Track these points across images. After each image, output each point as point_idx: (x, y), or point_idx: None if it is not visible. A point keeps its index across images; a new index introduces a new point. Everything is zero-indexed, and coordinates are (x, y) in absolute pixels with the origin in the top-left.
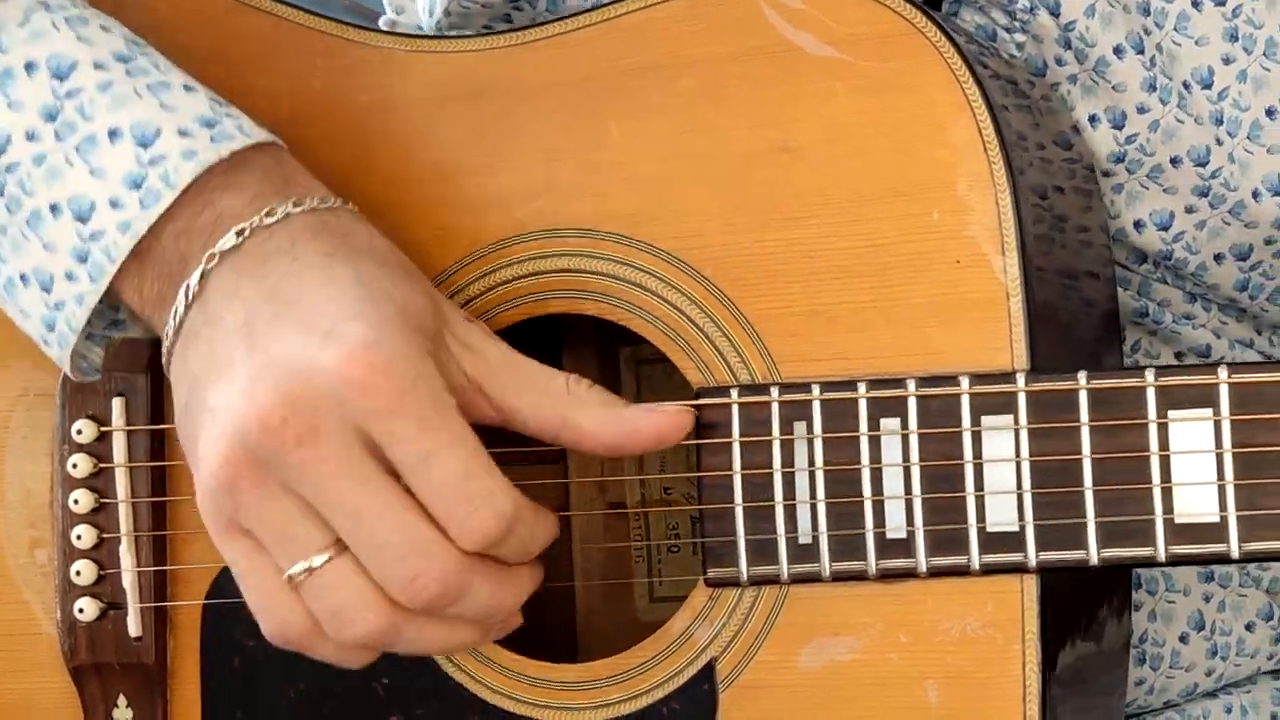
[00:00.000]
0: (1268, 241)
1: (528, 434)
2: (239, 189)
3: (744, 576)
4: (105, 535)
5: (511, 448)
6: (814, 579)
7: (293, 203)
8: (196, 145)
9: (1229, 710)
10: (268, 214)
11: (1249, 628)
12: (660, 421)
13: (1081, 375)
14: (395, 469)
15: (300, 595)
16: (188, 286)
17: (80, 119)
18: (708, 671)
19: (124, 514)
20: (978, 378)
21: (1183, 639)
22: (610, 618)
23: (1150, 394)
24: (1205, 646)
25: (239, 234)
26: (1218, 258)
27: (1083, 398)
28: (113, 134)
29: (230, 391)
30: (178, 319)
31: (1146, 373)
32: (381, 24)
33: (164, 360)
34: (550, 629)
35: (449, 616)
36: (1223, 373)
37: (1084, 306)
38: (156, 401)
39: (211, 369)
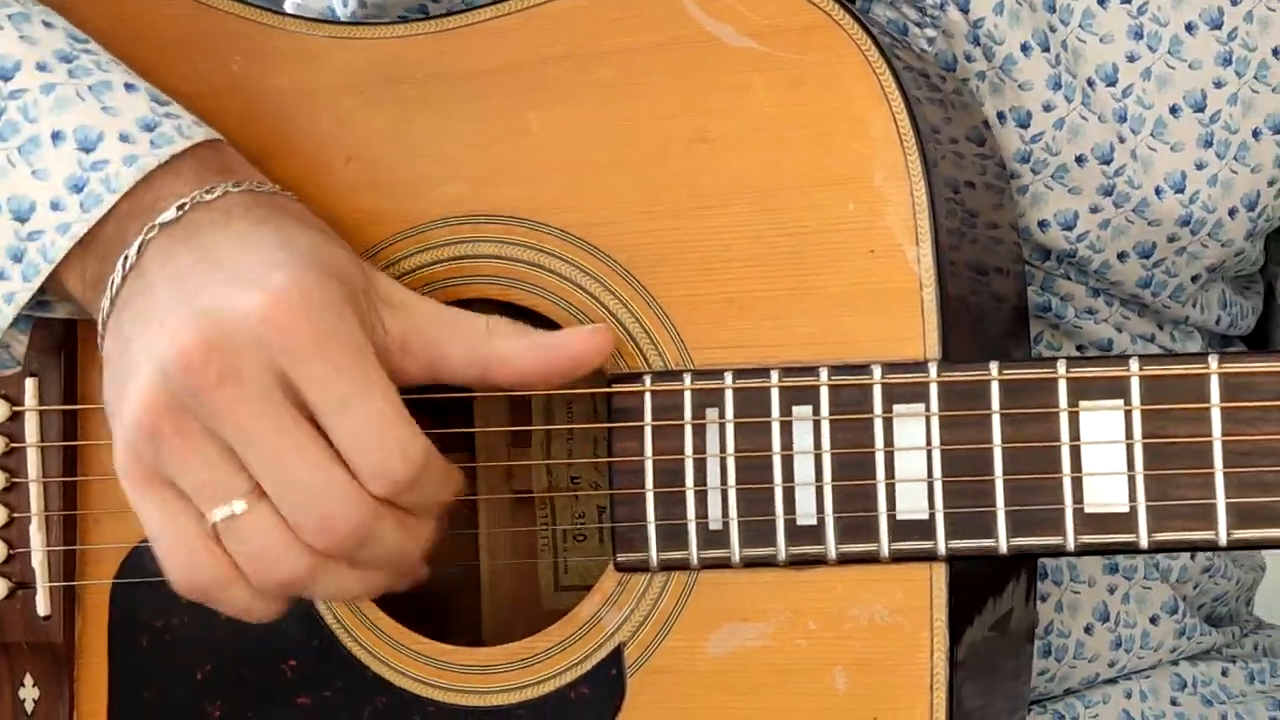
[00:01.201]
0: (1171, 239)
1: (457, 383)
2: (179, 175)
3: (654, 562)
4: (16, 515)
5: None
6: (724, 565)
7: (232, 183)
8: (137, 150)
9: (1129, 695)
10: (207, 191)
11: (1153, 621)
12: (581, 342)
13: (993, 365)
14: (312, 413)
15: (221, 542)
16: (126, 257)
17: (24, 120)
18: (616, 656)
19: (34, 493)
20: (890, 366)
21: (1087, 630)
22: (516, 604)
23: (1061, 385)
24: (1109, 638)
25: (179, 208)
26: (1121, 256)
27: (994, 387)
28: (55, 136)
29: (154, 340)
30: (114, 289)
31: (1058, 363)
32: (287, 6)
33: (99, 337)
34: (456, 614)
35: (359, 561)
36: (1134, 364)
37: (994, 301)
38: (70, 383)
39: (141, 327)
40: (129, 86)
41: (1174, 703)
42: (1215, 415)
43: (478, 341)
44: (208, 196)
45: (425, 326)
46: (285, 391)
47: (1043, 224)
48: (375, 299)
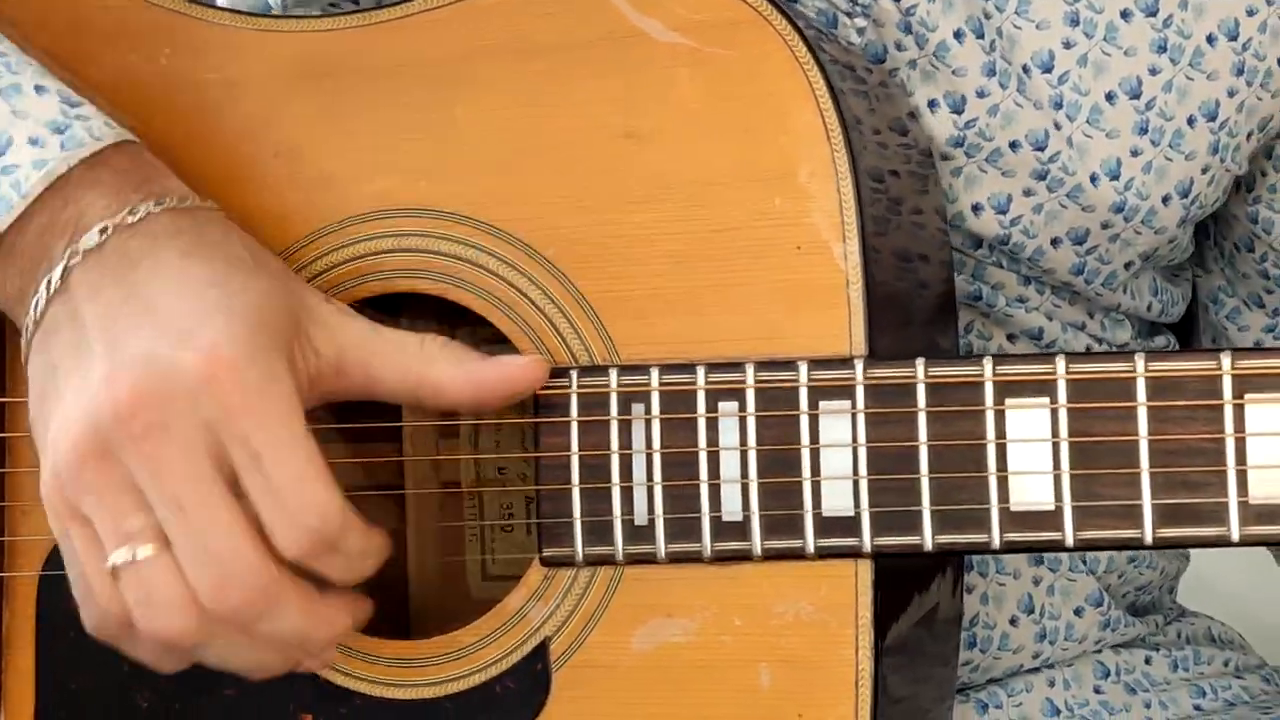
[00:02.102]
0: (1104, 226)
1: (390, 401)
2: (99, 186)
3: (579, 557)
4: None
5: (351, 425)
6: (649, 560)
7: (154, 201)
8: (47, 154)
9: (1052, 684)
10: (130, 212)
11: (1078, 613)
12: (512, 370)
13: (919, 363)
14: (235, 470)
15: (118, 584)
16: (50, 280)
17: None
18: (541, 651)
19: None
20: (816, 363)
21: (1012, 622)
22: (443, 596)
23: (988, 383)
24: (1034, 630)
25: (101, 232)
26: (1054, 242)
27: (920, 385)
28: None
29: (88, 382)
30: (39, 310)
31: (984, 361)
32: (221, 1)
33: (23, 350)
34: (383, 606)
35: (258, 634)
36: (1060, 363)
37: (919, 289)
38: None
39: (71, 361)
40: (39, 89)
41: (1097, 691)
42: (1141, 414)
43: (411, 364)
44: (131, 219)
45: (358, 346)
46: (210, 449)
47: (976, 208)
48: (307, 322)
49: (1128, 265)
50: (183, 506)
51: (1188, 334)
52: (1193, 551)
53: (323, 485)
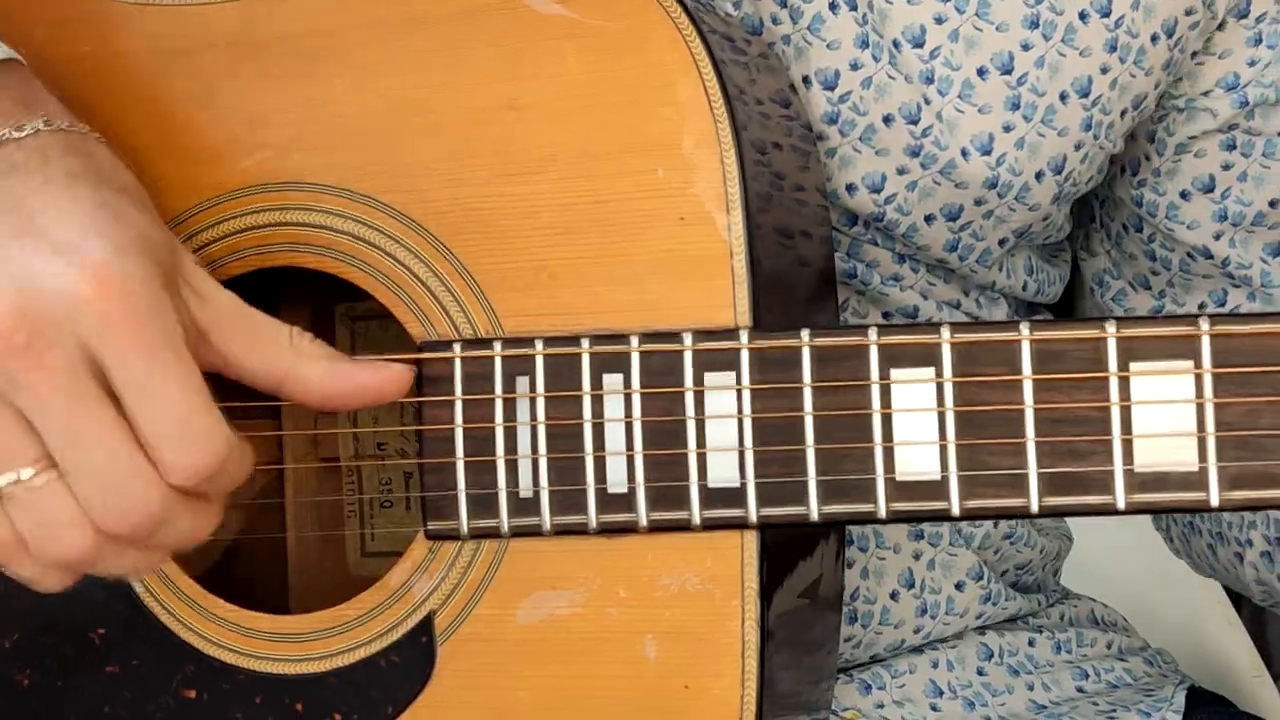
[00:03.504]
0: (978, 202)
1: (249, 385)
2: None
3: (464, 530)
4: None
5: (227, 400)
6: (535, 533)
7: (43, 121)
8: None
9: (935, 665)
10: (17, 128)
11: (959, 587)
12: (381, 377)
13: (804, 333)
14: (118, 393)
15: (5, 508)
16: None
17: None
18: (426, 624)
19: None
20: (701, 334)
21: (893, 596)
22: (322, 571)
23: (873, 352)
24: (915, 604)
25: None
26: (929, 219)
27: (805, 356)
28: None
29: None
30: None
31: (870, 331)
32: None
33: None
34: (262, 582)
35: (150, 545)
36: (945, 332)
37: (802, 266)
38: None
39: None
40: None
41: (980, 672)
42: (1027, 384)
43: (278, 354)
44: (18, 134)
45: (226, 322)
46: (93, 371)
47: (850, 187)
48: (183, 282)
49: (1002, 242)
50: (69, 428)
51: (1066, 316)
52: (1077, 534)
53: (210, 416)
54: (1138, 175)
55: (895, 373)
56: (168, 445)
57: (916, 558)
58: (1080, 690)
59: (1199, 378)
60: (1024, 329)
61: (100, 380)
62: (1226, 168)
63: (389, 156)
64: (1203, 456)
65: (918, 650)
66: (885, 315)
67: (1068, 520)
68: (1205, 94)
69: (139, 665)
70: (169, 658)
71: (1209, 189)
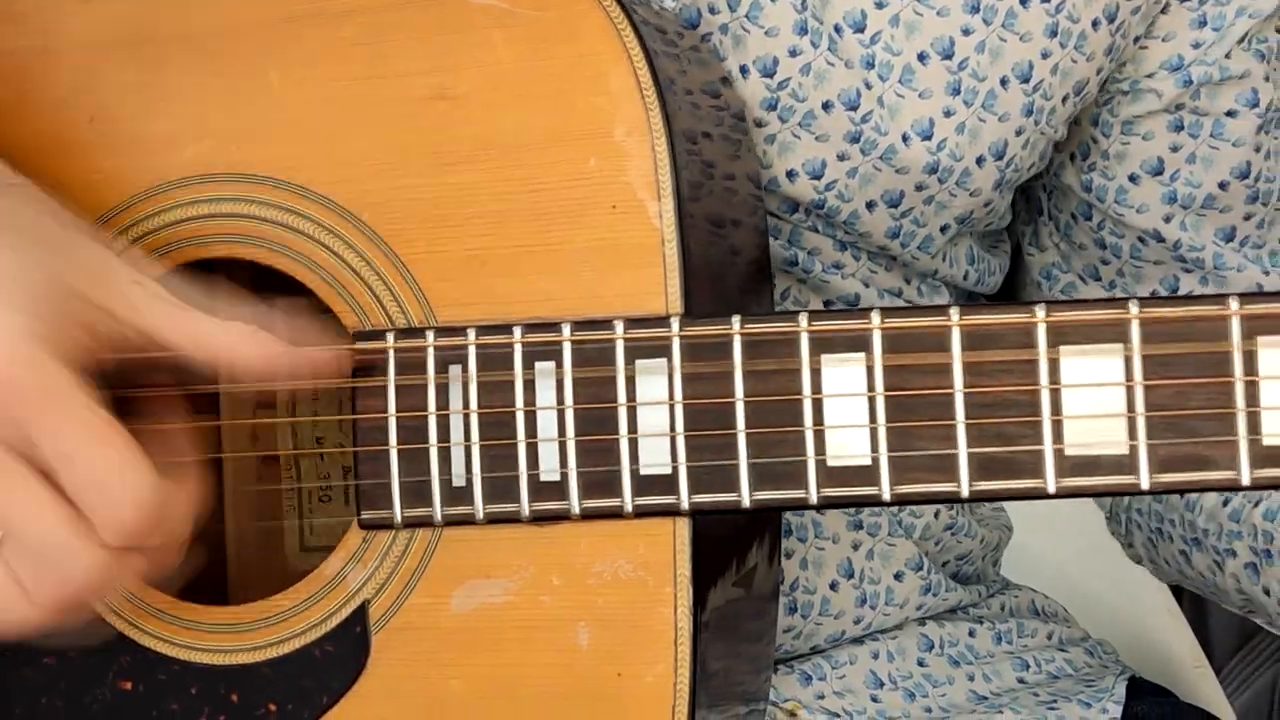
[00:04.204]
0: (919, 188)
1: (190, 364)
2: None
3: (398, 519)
4: None
5: (166, 390)
6: (468, 521)
7: None
8: None
9: (875, 656)
10: None
11: (898, 577)
12: (314, 355)
13: (735, 320)
14: (46, 468)
15: None
16: None
17: None
18: (360, 614)
19: None
20: (632, 322)
21: (833, 587)
22: (261, 564)
23: (803, 338)
24: (854, 595)
25: None
26: (870, 205)
27: (736, 342)
28: None
29: None
30: None
31: (800, 317)
32: None
33: None
34: (201, 575)
35: (97, 603)
36: (875, 317)
37: (734, 255)
38: None
39: None
40: None
41: (921, 663)
42: (956, 367)
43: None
44: None
45: (160, 312)
46: (16, 447)
47: (791, 174)
48: (113, 285)
49: (944, 229)
50: (3, 512)
51: None
52: (1017, 525)
53: (133, 471)
54: (1087, 160)
55: (826, 358)
56: (96, 507)
57: (855, 548)
58: (1021, 681)
59: (1128, 360)
60: (953, 313)
61: (28, 457)
62: (1175, 149)
63: (324, 148)
64: (1133, 438)
65: (858, 641)
66: (826, 303)
67: (1008, 510)
68: (1149, 76)
69: (76, 657)
70: (104, 648)
71: (1158, 171)
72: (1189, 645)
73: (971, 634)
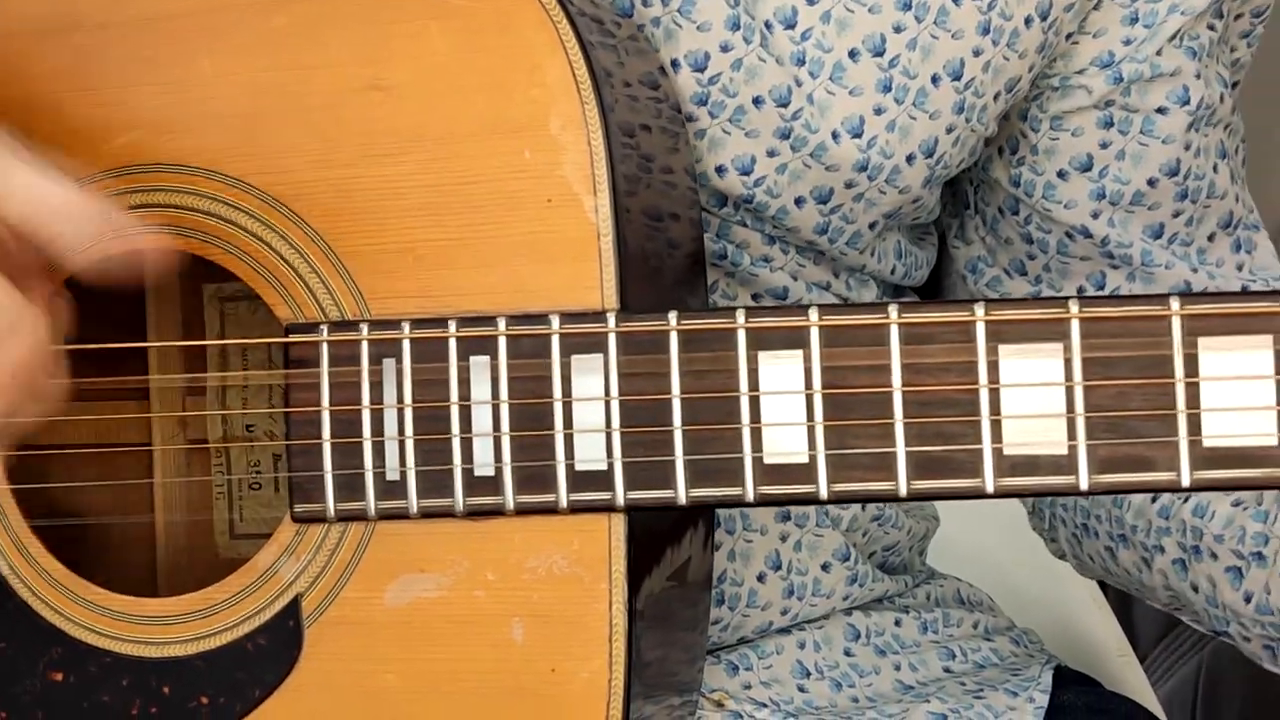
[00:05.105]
0: (848, 185)
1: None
2: None
3: (331, 512)
4: None
5: (95, 380)
6: (402, 516)
7: None
8: None
9: (802, 646)
10: None
11: (825, 568)
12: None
13: (672, 315)
14: None
15: None
16: None
17: None
18: (293, 607)
19: None
20: (568, 316)
21: (760, 579)
22: (190, 554)
23: (740, 335)
24: (782, 586)
25: None
26: (799, 201)
27: (673, 338)
28: None
29: None
30: None
31: (737, 313)
32: None
33: None
34: (130, 565)
35: None
36: (813, 314)
37: (671, 248)
38: None
39: None
40: None
41: (848, 653)
42: (895, 366)
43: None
44: None
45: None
46: None
47: (720, 169)
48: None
49: (872, 225)
50: None
51: (933, 299)
52: (943, 514)
53: None
54: (1016, 155)
55: (763, 355)
56: None
57: (783, 540)
58: (947, 670)
59: (1068, 360)
60: (892, 311)
61: None
62: (1104, 146)
63: (256, 138)
64: (1072, 438)
65: (785, 631)
66: (755, 296)
67: (935, 501)
68: (1080, 72)
69: (5, 648)
70: (36, 640)
71: (1087, 168)
72: (1114, 634)
73: (898, 624)
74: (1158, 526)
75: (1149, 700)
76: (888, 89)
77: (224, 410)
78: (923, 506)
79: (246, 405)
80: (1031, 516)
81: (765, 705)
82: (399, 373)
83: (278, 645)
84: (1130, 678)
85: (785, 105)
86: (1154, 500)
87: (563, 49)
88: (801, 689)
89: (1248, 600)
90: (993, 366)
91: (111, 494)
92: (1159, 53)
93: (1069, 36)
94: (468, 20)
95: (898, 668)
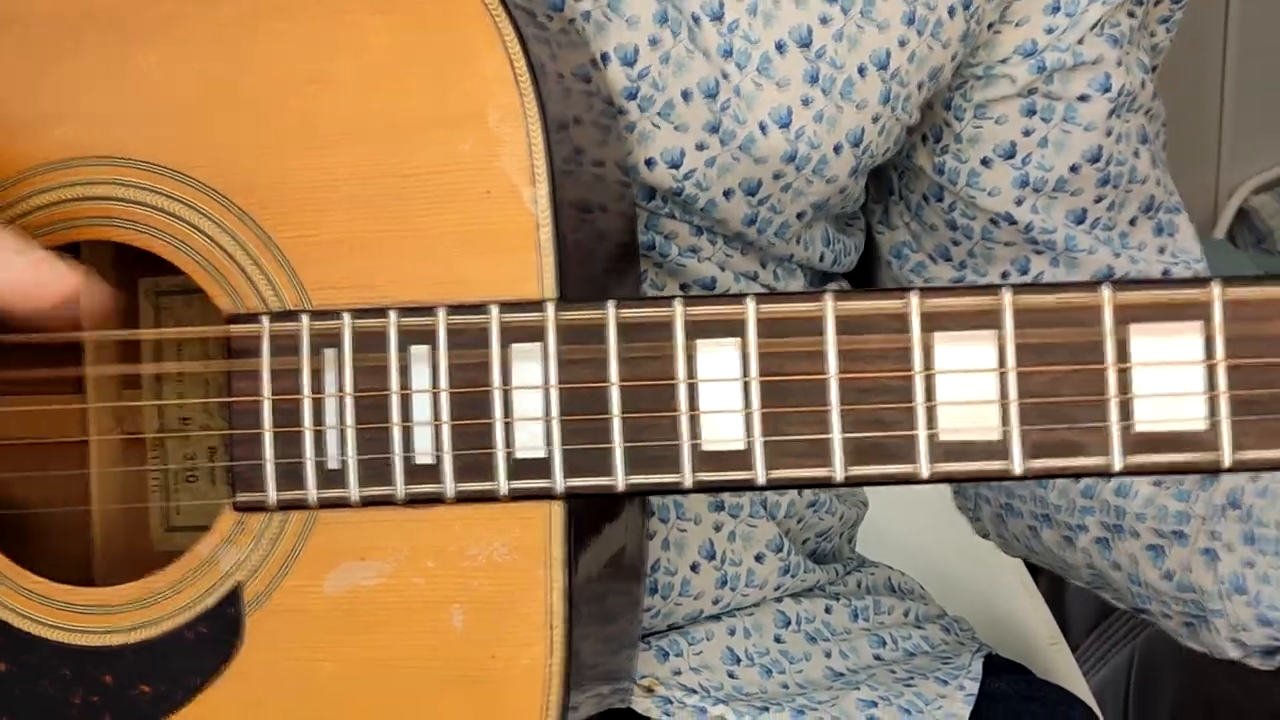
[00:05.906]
0: (776, 176)
1: None
2: None
3: (272, 501)
4: None
5: (29, 371)
6: (343, 504)
7: None
8: None
9: (732, 633)
10: None
11: (759, 559)
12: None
13: (610, 304)
14: None
15: None
16: None
17: None
18: (234, 596)
19: None
20: (508, 306)
21: (694, 568)
22: (126, 546)
23: (678, 323)
24: (715, 576)
25: None
26: (727, 193)
27: (611, 327)
28: None
29: None
30: None
31: (675, 302)
32: None
33: None
34: (67, 557)
35: None
36: (750, 303)
37: (604, 239)
38: None
39: None
40: None
41: (778, 640)
42: (831, 353)
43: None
44: None
45: None
46: None
47: (649, 162)
48: None
49: (800, 215)
50: None
51: (862, 285)
52: (874, 503)
53: None
54: (939, 143)
55: (700, 343)
56: None
57: (717, 529)
58: (878, 658)
59: (1001, 347)
60: (829, 300)
61: None
62: (1027, 134)
63: (198, 130)
64: (1005, 424)
65: (715, 618)
66: (683, 286)
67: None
68: (1003, 61)
69: None
70: None
71: (1010, 155)
72: (1045, 622)
73: (828, 611)
74: (1081, 506)
75: (1080, 688)
76: (815, 80)
77: (160, 402)
78: (855, 492)
79: (183, 397)
80: (956, 496)
81: (695, 691)
82: (340, 362)
83: (218, 634)
84: (1061, 665)
85: (713, 97)
86: (1077, 480)
87: (501, 42)
88: (731, 675)
89: (1168, 578)
90: (926, 353)
91: (46, 485)
92: (1081, 41)
93: (991, 25)
94: (408, 14)
95: (828, 655)
